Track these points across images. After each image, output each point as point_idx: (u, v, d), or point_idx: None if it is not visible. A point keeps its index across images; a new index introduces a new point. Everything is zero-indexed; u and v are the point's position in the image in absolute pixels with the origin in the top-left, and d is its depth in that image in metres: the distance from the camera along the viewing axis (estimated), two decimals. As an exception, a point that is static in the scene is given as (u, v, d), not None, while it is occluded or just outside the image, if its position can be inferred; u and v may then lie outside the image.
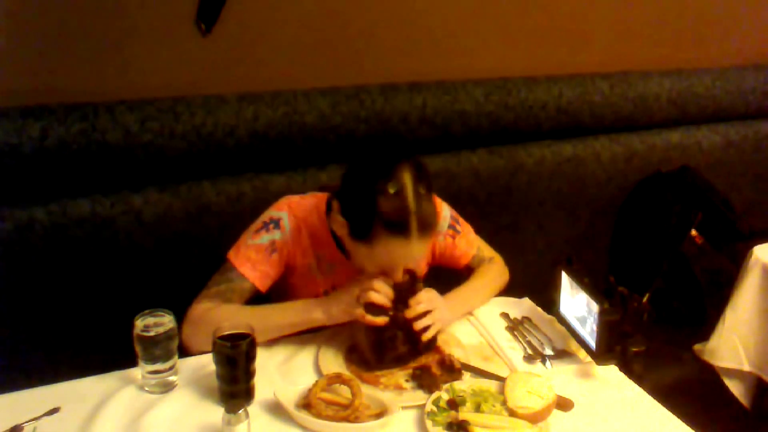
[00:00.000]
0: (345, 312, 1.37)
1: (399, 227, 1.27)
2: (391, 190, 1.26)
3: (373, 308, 1.33)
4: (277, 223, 1.47)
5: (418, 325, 1.37)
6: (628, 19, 2.40)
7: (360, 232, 1.32)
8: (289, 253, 1.48)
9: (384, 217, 1.27)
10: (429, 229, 1.32)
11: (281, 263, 1.48)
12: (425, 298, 1.39)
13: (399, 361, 1.38)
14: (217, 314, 1.37)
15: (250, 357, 1.23)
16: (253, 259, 1.44)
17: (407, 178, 1.28)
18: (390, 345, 1.35)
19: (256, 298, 1.48)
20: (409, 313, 1.36)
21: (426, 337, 1.37)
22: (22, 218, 1.61)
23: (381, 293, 1.34)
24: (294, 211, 1.49)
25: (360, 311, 1.33)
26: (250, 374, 1.24)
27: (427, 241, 1.35)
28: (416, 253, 1.34)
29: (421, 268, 1.58)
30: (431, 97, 2.03)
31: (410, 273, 1.40)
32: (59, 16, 1.65)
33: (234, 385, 1.23)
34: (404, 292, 1.38)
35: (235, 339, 1.22)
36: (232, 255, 1.46)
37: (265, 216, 1.49)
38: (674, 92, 2.44)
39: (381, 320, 1.34)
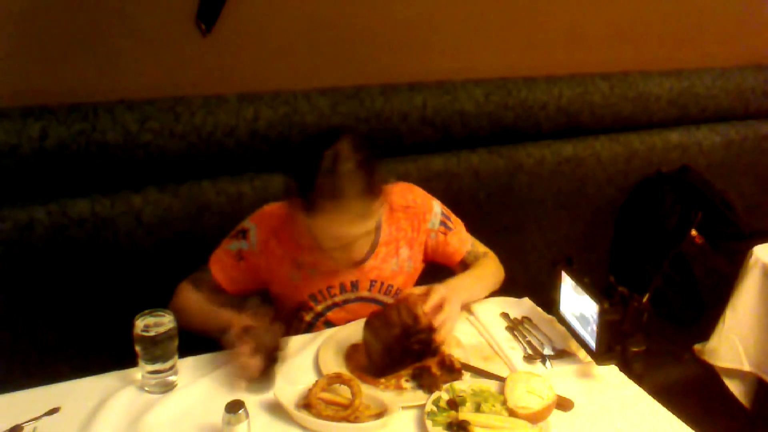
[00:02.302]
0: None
1: (332, 192, 1.29)
2: (328, 155, 1.29)
3: (383, 330, 1.31)
4: (245, 234, 1.51)
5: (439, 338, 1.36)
6: (628, 19, 2.40)
7: (304, 195, 1.33)
8: (256, 264, 1.51)
9: (320, 183, 1.29)
10: (365, 193, 1.32)
11: (249, 272, 1.52)
12: (448, 312, 1.38)
13: (405, 367, 1.37)
14: (183, 299, 1.49)
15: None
16: (223, 262, 1.51)
17: (344, 145, 1.32)
18: (401, 359, 1.35)
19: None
20: (439, 338, 1.35)
21: (440, 339, 1.36)
22: (22, 218, 1.61)
23: (247, 370, 1.27)
24: (265, 222, 1.51)
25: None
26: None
27: (368, 205, 1.34)
28: (356, 214, 1.33)
29: (372, 236, 1.53)
30: (431, 97, 2.03)
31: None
32: (59, 17, 1.65)
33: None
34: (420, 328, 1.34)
35: None
36: (213, 253, 1.53)
37: (241, 224, 1.53)
38: (674, 92, 2.44)
39: None
